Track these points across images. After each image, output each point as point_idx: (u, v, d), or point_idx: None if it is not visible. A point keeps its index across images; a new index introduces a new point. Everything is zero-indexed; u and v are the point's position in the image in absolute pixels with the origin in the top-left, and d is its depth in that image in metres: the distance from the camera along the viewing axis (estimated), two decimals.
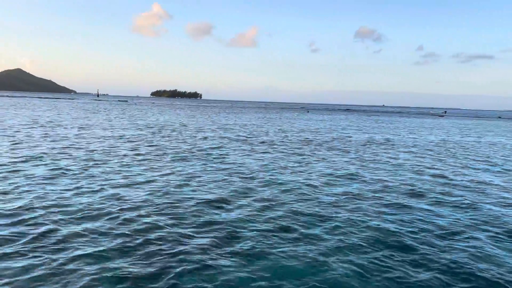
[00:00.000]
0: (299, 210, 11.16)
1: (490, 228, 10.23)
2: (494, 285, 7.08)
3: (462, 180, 16.67)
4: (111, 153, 19.99)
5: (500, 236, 9.69)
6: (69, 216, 9.73)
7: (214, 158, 19.89)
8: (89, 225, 9.20)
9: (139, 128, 35.90)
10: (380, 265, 7.73)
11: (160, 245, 8.24)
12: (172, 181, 14.01)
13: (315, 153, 23.59)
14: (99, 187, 12.66)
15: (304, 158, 21.24)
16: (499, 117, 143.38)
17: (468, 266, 7.79)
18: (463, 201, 12.93)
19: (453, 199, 13.25)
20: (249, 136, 33.05)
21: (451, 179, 16.80)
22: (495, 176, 18.30)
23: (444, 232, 9.81)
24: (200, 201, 11.64)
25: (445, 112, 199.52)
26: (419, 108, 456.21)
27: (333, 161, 20.75)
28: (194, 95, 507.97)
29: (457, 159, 23.86)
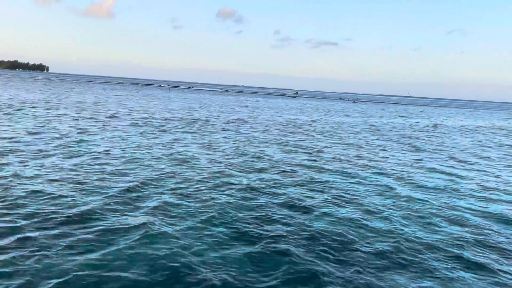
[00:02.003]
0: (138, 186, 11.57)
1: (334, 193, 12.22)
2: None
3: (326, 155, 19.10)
4: None
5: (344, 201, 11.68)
6: None
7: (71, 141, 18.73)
8: None
9: None
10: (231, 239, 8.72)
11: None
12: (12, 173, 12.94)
13: (169, 132, 23.94)
14: None
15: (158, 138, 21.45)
16: (340, 99, 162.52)
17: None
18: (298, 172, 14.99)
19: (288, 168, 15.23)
20: (106, 114, 31.56)
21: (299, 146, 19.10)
22: (342, 148, 21.34)
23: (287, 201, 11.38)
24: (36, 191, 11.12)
25: (297, 93, 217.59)
26: (275, 89, 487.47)
27: (201, 138, 21.44)
28: (39, 68, 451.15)
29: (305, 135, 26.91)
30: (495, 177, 16.81)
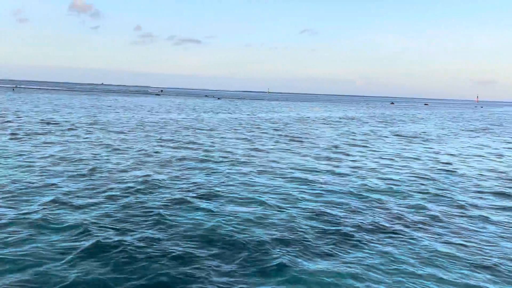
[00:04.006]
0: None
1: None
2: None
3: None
4: None
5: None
6: None
7: None
8: None
9: None
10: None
11: None
12: None
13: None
14: None
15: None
16: (206, 96, 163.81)
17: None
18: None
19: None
20: None
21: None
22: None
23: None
24: None
25: (162, 91, 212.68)
26: (138, 86, 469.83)
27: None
28: None
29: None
30: (364, 162, 18.34)
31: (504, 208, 11.78)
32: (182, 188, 12.39)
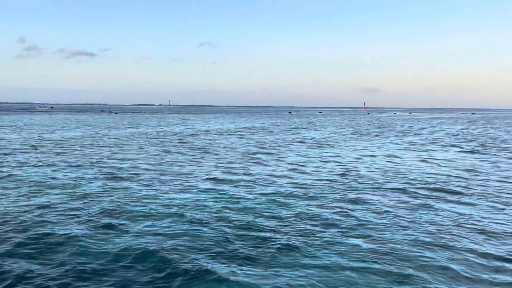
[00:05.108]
0: None
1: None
2: None
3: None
4: None
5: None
6: None
7: None
8: None
9: None
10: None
11: None
12: None
13: None
14: None
15: None
16: (102, 111, 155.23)
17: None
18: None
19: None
20: None
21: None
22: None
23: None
24: None
25: (52, 107, 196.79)
26: (25, 103, 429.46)
27: None
28: None
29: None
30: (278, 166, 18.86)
31: (401, 202, 12.95)
32: (91, 210, 11.41)
